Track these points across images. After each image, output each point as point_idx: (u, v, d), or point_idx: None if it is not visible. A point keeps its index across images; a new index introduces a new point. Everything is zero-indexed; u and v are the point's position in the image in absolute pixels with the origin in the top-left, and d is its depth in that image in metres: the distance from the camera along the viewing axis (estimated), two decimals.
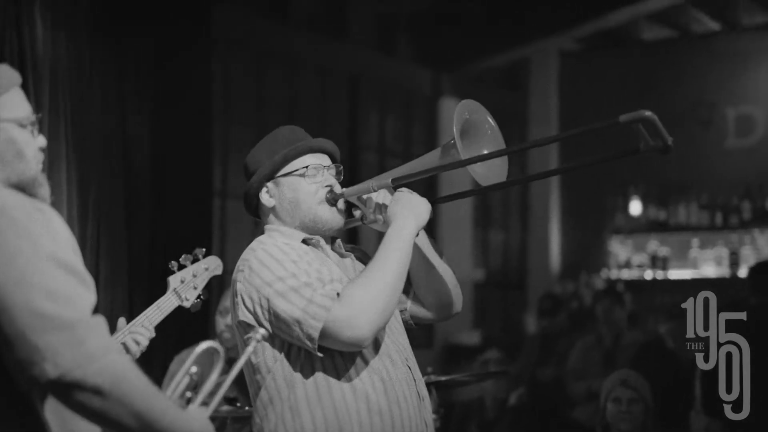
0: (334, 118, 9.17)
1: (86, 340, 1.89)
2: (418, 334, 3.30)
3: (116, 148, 6.06)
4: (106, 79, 5.99)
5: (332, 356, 2.79)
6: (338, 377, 2.80)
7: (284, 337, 2.77)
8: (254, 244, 2.90)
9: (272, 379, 2.82)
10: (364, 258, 3.14)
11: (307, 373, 2.80)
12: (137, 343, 3.29)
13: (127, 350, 3.24)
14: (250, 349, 2.34)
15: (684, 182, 10.05)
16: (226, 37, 7.62)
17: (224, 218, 7.90)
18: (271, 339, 2.81)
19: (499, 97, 10.94)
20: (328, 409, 2.77)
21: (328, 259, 2.96)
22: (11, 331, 1.87)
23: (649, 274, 10.20)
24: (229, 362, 4.93)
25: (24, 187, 2.07)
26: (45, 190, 2.13)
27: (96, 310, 1.99)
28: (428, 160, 3.00)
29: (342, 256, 3.06)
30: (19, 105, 2.14)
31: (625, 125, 2.51)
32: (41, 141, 2.17)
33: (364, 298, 2.69)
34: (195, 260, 3.59)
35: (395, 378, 2.86)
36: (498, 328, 10.84)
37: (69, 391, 1.88)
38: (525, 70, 11.03)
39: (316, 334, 2.68)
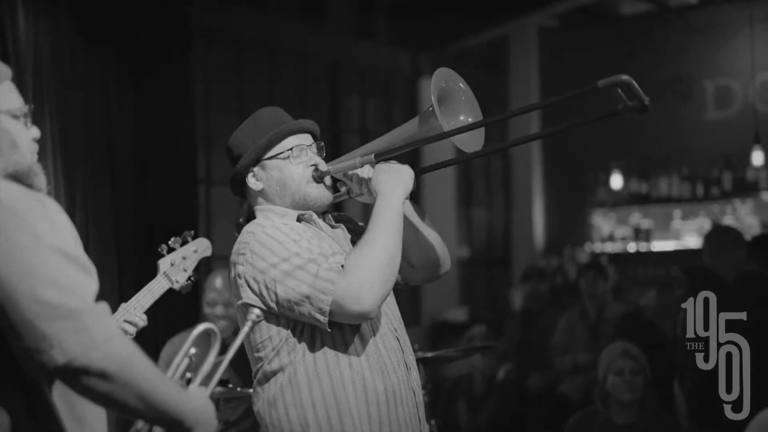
0: (315, 103, 9.19)
1: (91, 327, 1.95)
2: (406, 311, 3.33)
3: (100, 138, 6.12)
4: (89, 70, 6.02)
5: (332, 333, 2.86)
6: (336, 354, 2.87)
7: (291, 316, 2.83)
8: (252, 227, 2.95)
9: (276, 356, 2.88)
10: (354, 226, 3.22)
11: (310, 350, 2.87)
12: (134, 325, 3.35)
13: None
14: (246, 329, 2.39)
15: (664, 155, 10.14)
16: (205, 26, 7.64)
17: (209, 204, 7.93)
18: (276, 318, 2.87)
19: (479, 76, 10.92)
20: (326, 384, 2.85)
21: (323, 233, 3.03)
22: (18, 320, 1.93)
23: (632, 247, 10.29)
24: (225, 348, 4.96)
25: (19, 177, 2.12)
26: (40, 179, 2.19)
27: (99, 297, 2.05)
28: (408, 131, 3.06)
29: (333, 227, 3.13)
30: (12, 97, 2.20)
31: (603, 90, 2.57)
32: (35, 132, 2.26)
33: (367, 272, 2.75)
34: (184, 243, 3.63)
35: (383, 350, 2.94)
36: (484, 305, 10.91)
37: (76, 377, 1.95)
38: (505, 48, 11.06)
39: (327, 308, 2.75)
